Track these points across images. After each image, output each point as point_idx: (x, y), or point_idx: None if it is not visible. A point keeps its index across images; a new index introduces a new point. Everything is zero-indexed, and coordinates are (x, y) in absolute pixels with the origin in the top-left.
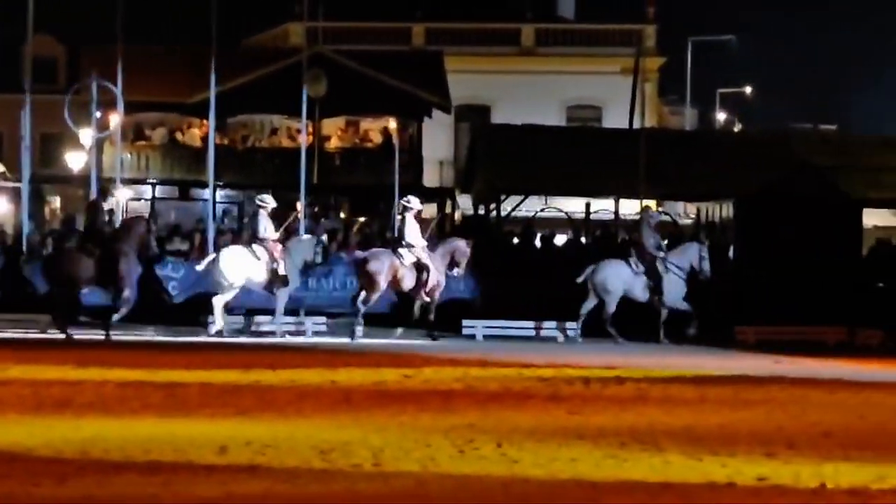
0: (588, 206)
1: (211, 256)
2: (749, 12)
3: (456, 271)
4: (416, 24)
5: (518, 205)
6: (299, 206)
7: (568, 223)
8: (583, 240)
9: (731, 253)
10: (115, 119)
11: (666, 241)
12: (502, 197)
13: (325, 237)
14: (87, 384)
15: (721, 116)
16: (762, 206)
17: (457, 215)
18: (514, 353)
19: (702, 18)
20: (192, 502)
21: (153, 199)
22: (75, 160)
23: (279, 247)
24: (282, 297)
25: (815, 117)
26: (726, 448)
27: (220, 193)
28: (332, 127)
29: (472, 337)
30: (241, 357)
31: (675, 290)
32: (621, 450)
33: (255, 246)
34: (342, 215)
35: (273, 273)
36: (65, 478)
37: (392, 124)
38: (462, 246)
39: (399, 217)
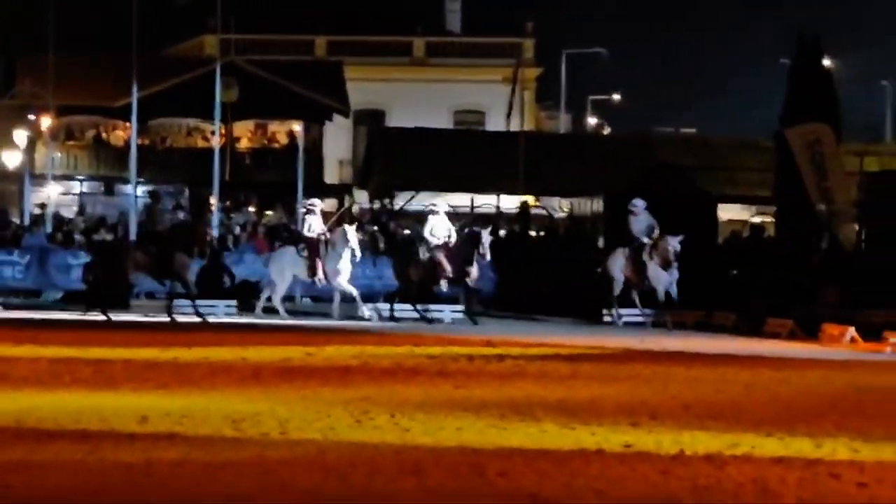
0: (472, 201)
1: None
2: (619, 25)
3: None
4: (319, 36)
5: (409, 200)
6: (213, 200)
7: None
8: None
9: (600, 243)
10: (47, 121)
11: (543, 233)
12: (395, 193)
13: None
14: (23, 360)
15: (592, 121)
16: (628, 201)
17: (355, 209)
18: (406, 333)
19: (576, 32)
20: (117, 467)
21: (81, 194)
22: (10, 158)
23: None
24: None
25: (677, 121)
26: (596, 418)
27: (141, 189)
28: (243, 129)
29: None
30: (160, 336)
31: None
32: (501, 420)
33: (300, 245)
34: (251, 209)
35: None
36: (1, 444)
37: (297, 127)
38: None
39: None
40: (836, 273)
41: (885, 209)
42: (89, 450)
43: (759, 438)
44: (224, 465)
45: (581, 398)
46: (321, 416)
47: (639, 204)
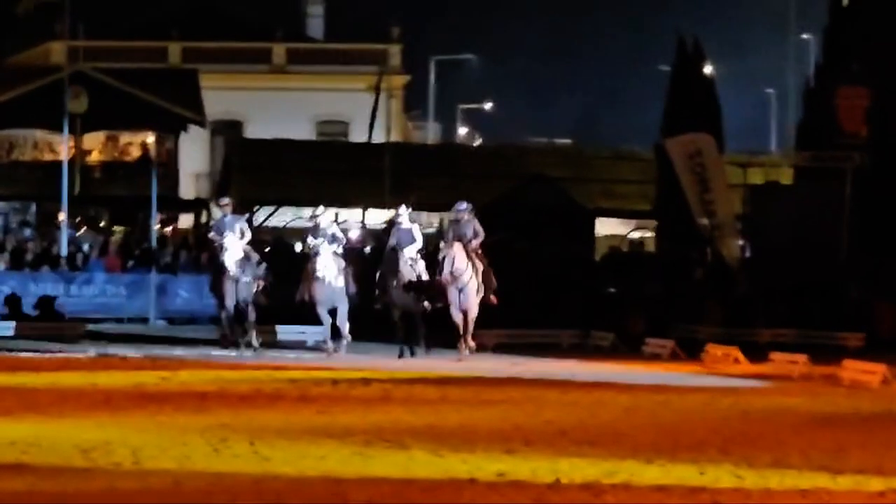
0: (337, 216)
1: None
2: (488, 32)
3: None
4: (173, 42)
5: (270, 215)
6: (61, 216)
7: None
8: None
9: None
10: None
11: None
12: (255, 207)
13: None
14: None
15: (462, 131)
16: (500, 214)
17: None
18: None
19: (444, 38)
20: None
21: None
22: None
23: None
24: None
25: (551, 131)
26: (467, 445)
27: None
28: (94, 141)
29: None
30: (5, 360)
31: None
32: (367, 447)
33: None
34: (101, 225)
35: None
36: None
37: (150, 138)
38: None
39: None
40: (718, 290)
41: (769, 223)
42: None
43: (638, 465)
44: (73, 497)
45: (451, 424)
46: (176, 444)
47: (462, 207)
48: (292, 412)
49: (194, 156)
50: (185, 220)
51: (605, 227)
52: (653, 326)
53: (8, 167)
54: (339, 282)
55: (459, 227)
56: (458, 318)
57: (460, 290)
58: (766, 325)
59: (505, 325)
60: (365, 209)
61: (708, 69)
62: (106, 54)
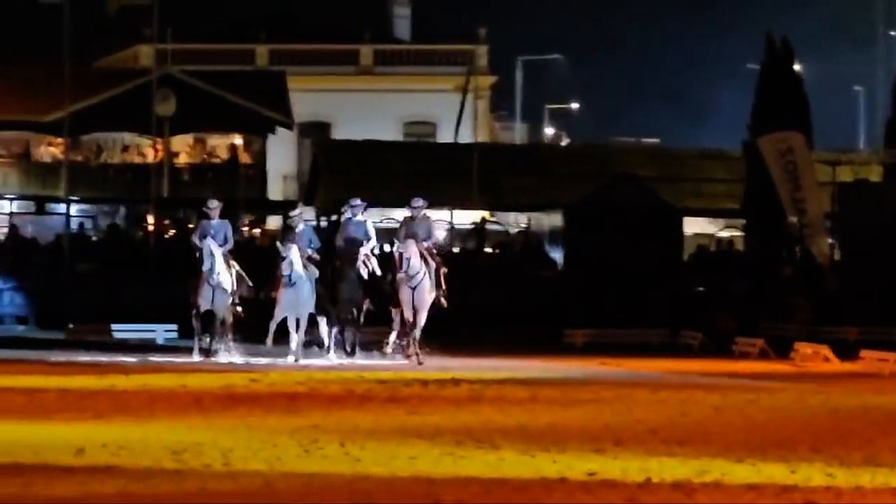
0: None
1: None
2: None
3: None
4: (260, 45)
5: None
6: (150, 218)
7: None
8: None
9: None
10: None
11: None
12: (343, 209)
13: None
14: None
15: (549, 131)
16: (588, 214)
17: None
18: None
19: (531, 38)
20: (52, 502)
21: (11, 213)
22: None
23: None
24: None
25: (638, 130)
26: (557, 445)
27: (74, 208)
28: (181, 143)
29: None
30: (96, 364)
31: None
32: (458, 447)
33: None
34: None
35: None
36: None
37: (238, 141)
38: None
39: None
40: (808, 288)
41: (858, 221)
42: (22, 484)
43: (729, 464)
44: (164, 499)
45: (541, 424)
46: (267, 445)
47: (418, 204)
48: (382, 413)
49: (282, 158)
50: (273, 222)
51: (693, 226)
52: (742, 325)
53: (97, 170)
54: (306, 289)
55: (413, 226)
56: (409, 315)
57: (413, 289)
58: (855, 323)
59: (594, 324)
60: (452, 210)
61: (797, 67)
62: (194, 57)
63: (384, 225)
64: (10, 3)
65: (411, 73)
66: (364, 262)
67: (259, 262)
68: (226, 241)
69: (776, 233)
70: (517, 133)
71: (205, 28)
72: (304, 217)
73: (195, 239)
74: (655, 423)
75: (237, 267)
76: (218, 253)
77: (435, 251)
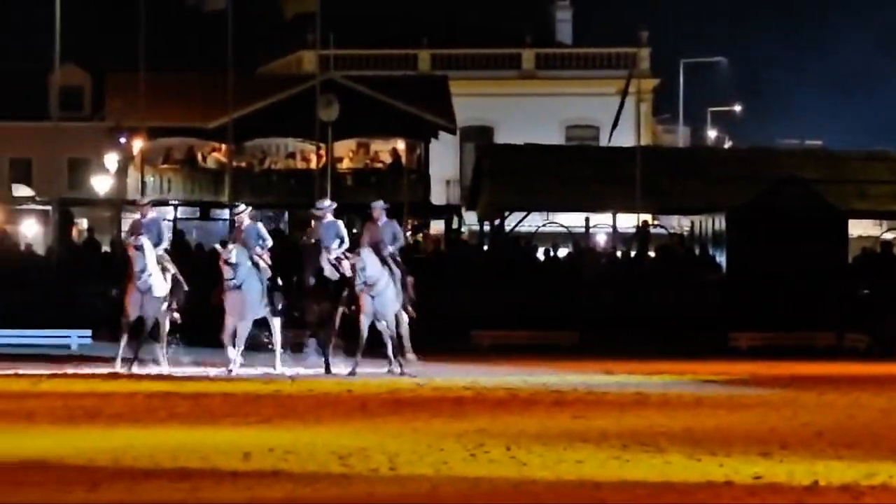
0: (587, 220)
1: None
2: (737, 34)
3: None
4: (423, 50)
5: (521, 220)
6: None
7: (568, 237)
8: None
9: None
10: (139, 144)
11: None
12: (506, 213)
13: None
14: (117, 396)
15: (712, 134)
16: (752, 218)
17: (464, 230)
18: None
19: (693, 41)
20: None
21: (175, 219)
22: (100, 183)
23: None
24: None
25: (801, 133)
26: (723, 448)
27: None
28: (344, 149)
29: None
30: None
31: None
32: (623, 451)
33: None
34: (354, 232)
35: None
36: (97, 485)
37: (401, 145)
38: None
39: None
40: None
41: None
42: (189, 489)
43: None
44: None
45: (707, 427)
46: (433, 450)
47: (378, 205)
48: (548, 417)
49: (444, 162)
50: (436, 227)
51: (858, 228)
52: None
53: (261, 175)
54: (253, 293)
55: (376, 231)
56: (365, 324)
57: (374, 298)
58: None
59: (759, 327)
60: (615, 214)
61: None
62: (356, 62)
63: (548, 229)
64: (174, 12)
65: (573, 77)
66: (335, 266)
67: (421, 270)
68: (160, 239)
69: None
70: (680, 136)
71: (367, 34)
72: (250, 214)
73: (125, 237)
74: (822, 426)
75: (174, 269)
76: (151, 253)
77: (399, 257)
